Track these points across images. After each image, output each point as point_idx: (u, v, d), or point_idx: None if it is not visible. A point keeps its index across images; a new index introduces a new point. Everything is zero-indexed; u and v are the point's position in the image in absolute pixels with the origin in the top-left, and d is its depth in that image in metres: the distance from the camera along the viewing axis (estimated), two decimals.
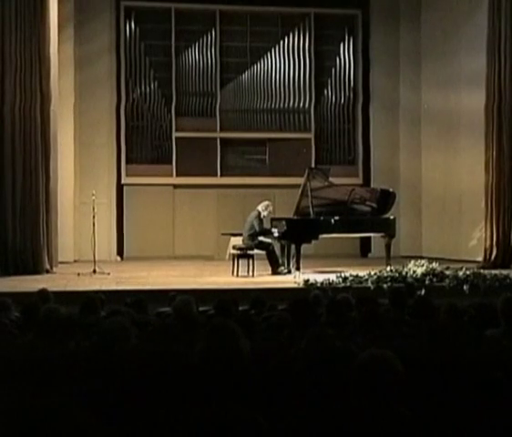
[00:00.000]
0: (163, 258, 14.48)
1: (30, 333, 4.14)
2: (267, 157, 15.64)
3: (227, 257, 12.14)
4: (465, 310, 4.83)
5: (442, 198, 14.58)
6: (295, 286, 9.48)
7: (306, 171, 11.37)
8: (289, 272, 11.03)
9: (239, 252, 11.00)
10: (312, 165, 14.74)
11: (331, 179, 11.60)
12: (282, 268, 11.17)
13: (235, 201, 15.00)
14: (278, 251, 11.38)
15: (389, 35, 15.56)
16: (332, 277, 9.73)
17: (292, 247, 11.12)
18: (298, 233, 10.86)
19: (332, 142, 15.73)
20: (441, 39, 14.57)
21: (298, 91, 15.63)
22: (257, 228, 11.14)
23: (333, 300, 5.34)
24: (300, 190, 11.41)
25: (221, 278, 10.57)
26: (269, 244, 11.20)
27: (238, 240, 11.49)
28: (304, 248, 11.00)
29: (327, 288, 8.99)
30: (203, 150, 15.31)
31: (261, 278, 10.62)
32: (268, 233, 11.26)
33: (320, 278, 9.72)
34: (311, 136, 15.64)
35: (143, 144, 15.26)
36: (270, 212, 11.42)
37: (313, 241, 11.24)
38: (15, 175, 11.41)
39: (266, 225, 11.44)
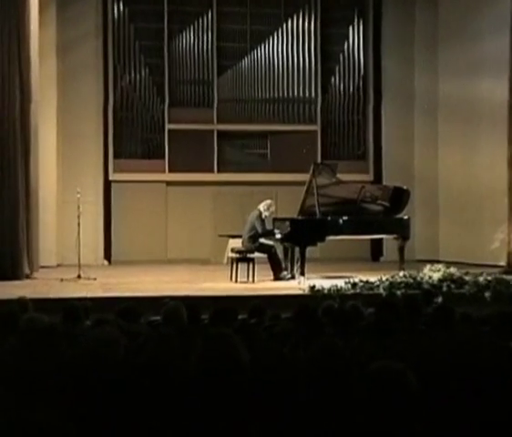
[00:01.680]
0: (155, 262, 14.49)
1: (8, 344, 4.14)
2: (269, 152, 15.66)
3: (225, 261, 12.19)
4: (487, 320, 4.83)
5: (461, 196, 14.57)
6: (300, 292, 9.52)
7: (312, 167, 11.37)
8: (292, 278, 11.08)
9: (238, 256, 11.02)
10: (318, 160, 14.78)
11: (338, 176, 11.61)
12: (285, 273, 11.21)
13: (234, 200, 15.01)
14: (281, 255, 11.39)
15: (403, 18, 15.55)
16: (341, 283, 9.76)
17: (297, 250, 11.13)
18: (303, 235, 10.88)
19: (339, 135, 15.75)
20: (460, 22, 14.56)
21: (303, 79, 15.64)
22: (258, 230, 11.16)
23: (342, 308, 5.36)
24: (305, 188, 11.41)
25: (219, 283, 10.62)
26: (271, 247, 11.21)
27: (237, 243, 11.50)
28: (310, 251, 11.03)
29: (335, 294, 9.07)
30: (199, 144, 15.31)
31: (263, 284, 10.66)
32: (270, 235, 11.26)
33: (327, 284, 9.75)
34: (317, 128, 15.65)
35: (133, 137, 15.27)
36: (272, 212, 11.42)
37: (320, 244, 11.30)
38: None
39: (268, 226, 11.45)
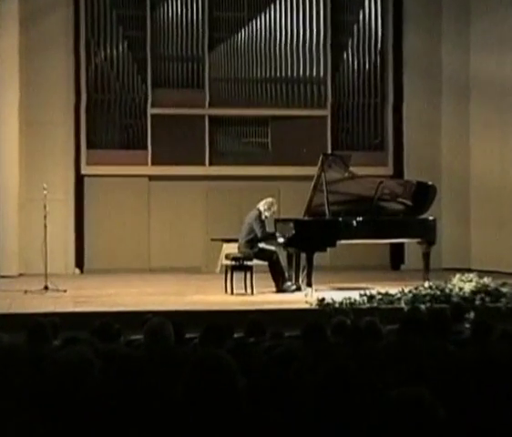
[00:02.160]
0: (136, 270, 14.49)
1: None
2: (270, 141, 15.65)
3: (218, 269, 12.23)
4: None
5: (496, 193, 14.53)
6: (306, 307, 9.56)
7: (320, 159, 11.36)
8: (298, 289, 11.16)
9: (233, 263, 11.04)
10: (328, 150, 14.76)
11: (352, 169, 11.59)
12: (290, 283, 11.27)
13: (229, 198, 15.03)
14: (284, 262, 11.44)
15: None
16: (355, 295, 9.81)
17: (303, 256, 11.17)
18: (310, 238, 10.90)
19: (353, 121, 15.75)
20: None
21: (310, 55, 15.62)
22: (257, 233, 11.16)
23: (356, 326, 5.37)
24: (312, 184, 11.41)
25: (211, 296, 10.70)
26: (272, 253, 11.22)
27: (232, 248, 11.54)
28: (318, 257, 11.05)
29: (348, 309, 9.11)
30: (187, 131, 15.30)
31: (263, 296, 10.76)
32: (271, 238, 11.28)
33: (338, 296, 9.80)
34: (326, 113, 15.65)
35: (109, 123, 15.26)
36: (274, 212, 11.49)
37: (330, 249, 11.39)
38: None
39: (269, 228, 11.43)
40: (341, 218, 11.04)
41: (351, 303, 9.52)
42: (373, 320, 5.63)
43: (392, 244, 14.35)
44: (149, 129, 15.27)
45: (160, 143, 15.25)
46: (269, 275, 11.23)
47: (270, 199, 11.50)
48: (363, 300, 9.69)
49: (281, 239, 11.17)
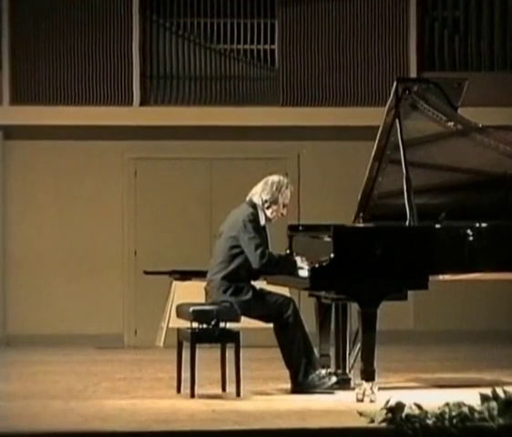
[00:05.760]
0: None
1: None
2: (277, 51, 15.81)
3: (161, 341, 12.42)
4: None
5: None
6: (362, 424, 9.43)
7: (393, 90, 11.61)
8: (343, 383, 11.59)
9: (197, 327, 11.20)
10: (412, 72, 15.00)
11: (463, 115, 11.76)
12: (323, 372, 11.59)
13: (184, 179, 15.38)
14: (310, 326, 11.53)
15: None
16: (470, 397, 9.75)
17: (353, 309, 11.22)
18: (370, 270, 10.82)
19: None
20: None
21: None
22: (249, 255, 11.24)
23: None
24: (375, 146, 11.69)
25: (146, 401, 11.01)
26: (284, 303, 11.30)
27: (193, 291, 11.48)
28: (386, 312, 10.97)
29: (454, 429, 9.16)
30: (91, 30, 15.57)
31: (262, 401, 11.02)
32: (282, 269, 11.23)
33: (432, 400, 9.89)
34: None
35: None
36: (285, 206, 11.73)
37: (414, 294, 11.62)
38: None
39: (274, 246, 11.43)
40: (439, 225, 11.01)
41: (462, 417, 9.37)
42: None
43: None
44: (6, 23, 15.41)
45: (31, 56, 15.41)
46: (276, 352, 11.30)
47: (274, 179, 11.75)
48: (491, 410, 9.54)
49: (303, 272, 11.15)
